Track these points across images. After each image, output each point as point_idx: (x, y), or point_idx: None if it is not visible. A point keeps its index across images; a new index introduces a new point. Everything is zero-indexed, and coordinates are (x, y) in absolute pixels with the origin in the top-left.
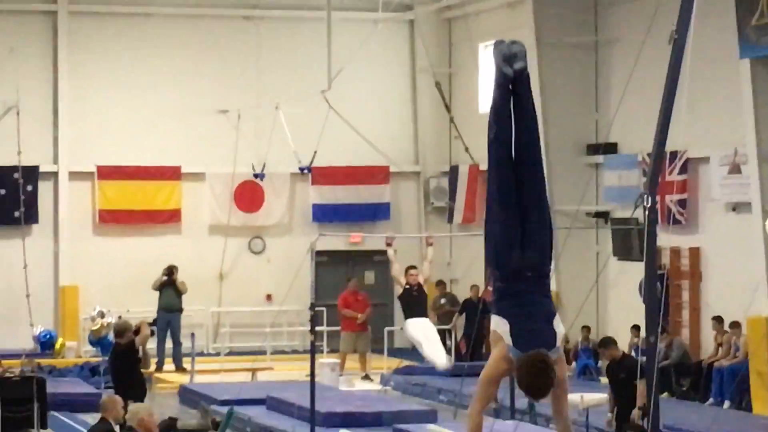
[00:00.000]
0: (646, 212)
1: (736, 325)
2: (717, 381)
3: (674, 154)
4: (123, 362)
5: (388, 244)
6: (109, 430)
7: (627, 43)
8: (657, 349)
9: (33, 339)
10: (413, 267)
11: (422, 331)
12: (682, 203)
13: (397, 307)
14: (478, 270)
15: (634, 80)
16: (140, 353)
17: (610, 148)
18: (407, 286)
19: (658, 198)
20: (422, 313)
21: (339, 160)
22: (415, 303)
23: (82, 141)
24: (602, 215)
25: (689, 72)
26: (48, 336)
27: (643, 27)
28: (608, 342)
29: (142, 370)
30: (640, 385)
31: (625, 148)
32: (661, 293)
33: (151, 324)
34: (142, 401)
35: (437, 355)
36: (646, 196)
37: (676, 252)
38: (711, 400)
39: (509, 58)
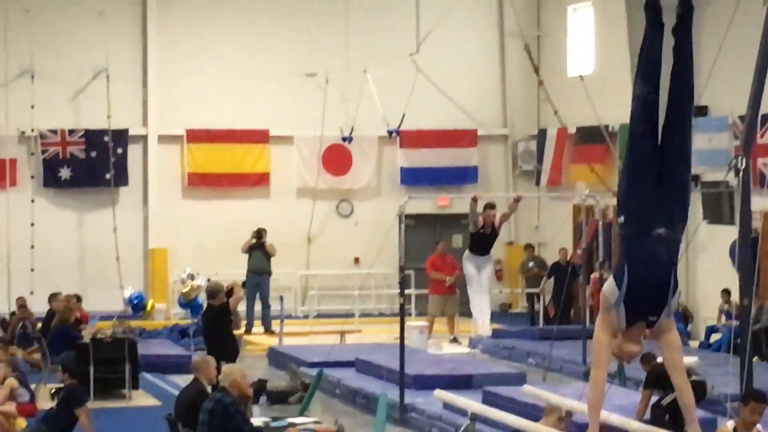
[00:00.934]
0: (740, 174)
1: None
2: None
3: (765, 117)
4: (216, 323)
5: (474, 200)
6: (202, 390)
7: (717, 4)
8: (751, 311)
9: (123, 301)
10: (492, 206)
11: (476, 272)
12: None
13: None
14: (566, 233)
15: (726, 42)
16: (233, 314)
17: (701, 111)
18: (481, 230)
19: (750, 160)
20: (485, 252)
21: (427, 124)
22: (482, 242)
23: (171, 104)
24: (693, 178)
25: None
26: (139, 298)
27: None
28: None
29: (234, 331)
30: (644, 393)
31: (716, 111)
32: (754, 257)
33: (242, 286)
34: (234, 362)
35: (481, 317)
36: (740, 158)
37: (766, 215)
38: None
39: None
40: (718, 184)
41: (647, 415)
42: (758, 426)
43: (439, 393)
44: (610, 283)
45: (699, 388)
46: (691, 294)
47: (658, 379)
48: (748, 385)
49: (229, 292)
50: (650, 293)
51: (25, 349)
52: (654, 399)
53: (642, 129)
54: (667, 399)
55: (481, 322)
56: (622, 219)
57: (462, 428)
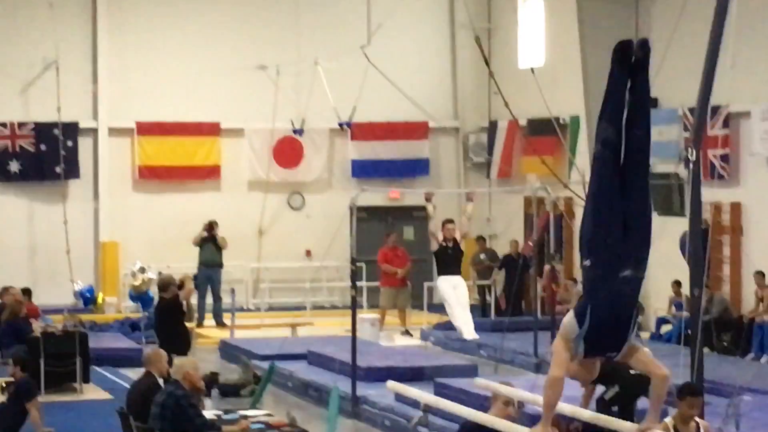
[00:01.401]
0: (691, 166)
1: None
2: (758, 336)
3: (715, 109)
4: (167, 316)
5: (428, 199)
6: (154, 383)
7: None
8: (702, 302)
9: (74, 295)
10: (450, 221)
11: (453, 291)
12: (724, 158)
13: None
14: (517, 225)
15: (676, 34)
16: (184, 307)
17: (651, 103)
18: (443, 243)
19: (701, 152)
20: (456, 270)
21: (378, 116)
22: (449, 259)
23: (121, 97)
24: None
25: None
26: (90, 291)
27: None
28: None
29: (186, 324)
30: (589, 388)
31: (666, 103)
32: (704, 248)
33: (193, 279)
34: (185, 355)
35: (466, 326)
36: (690, 149)
37: (717, 207)
38: (752, 354)
39: (638, 43)
40: (669, 176)
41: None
42: (698, 420)
43: (392, 384)
44: (570, 319)
45: (645, 381)
46: (642, 285)
47: (602, 375)
48: (699, 376)
49: (180, 285)
50: (611, 332)
51: None
52: (597, 394)
53: (608, 172)
54: (610, 393)
55: (466, 330)
56: (588, 263)
57: (414, 420)
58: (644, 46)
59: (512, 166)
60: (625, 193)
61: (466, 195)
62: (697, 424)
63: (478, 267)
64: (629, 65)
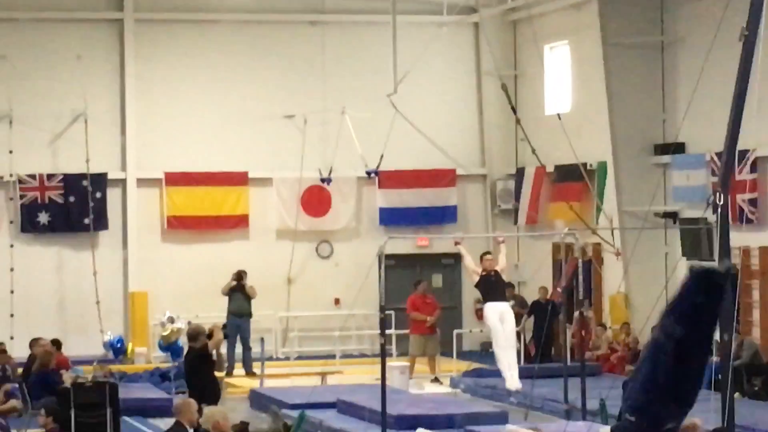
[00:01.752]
0: (719, 210)
1: None
2: None
3: (743, 153)
4: (197, 366)
5: (457, 243)
6: None
7: (693, 42)
8: (732, 348)
9: (104, 345)
10: (488, 253)
11: (500, 325)
12: (752, 202)
13: (466, 309)
14: (546, 271)
15: (702, 79)
16: (214, 357)
17: (678, 148)
18: (484, 273)
19: (729, 197)
20: (502, 297)
21: (406, 164)
22: (493, 286)
23: (149, 148)
24: (671, 215)
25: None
26: (120, 342)
27: (710, 26)
28: None
29: (216, 374)
30: None
31: (693, 148)
32: (733, 293)
33: (222, 328)
34: (215, 405)
35: (510, 372)
36: (718, 193)
37: (746, 251)
38: None
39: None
40: (697, 220)
41: None
42: None
43: (422, 431)
44: None
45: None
46: None
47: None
48: (730, 421)
49: (210, 334)
50: None
51: (3, 395)
52: None
53: (667, 360)
54: None
55: (510, 376)
56: (632, 418)
57: None
58: (730, 275)
59: (539, 212)
60: (679, 376)
61: (495, 239)
62: None
63: None
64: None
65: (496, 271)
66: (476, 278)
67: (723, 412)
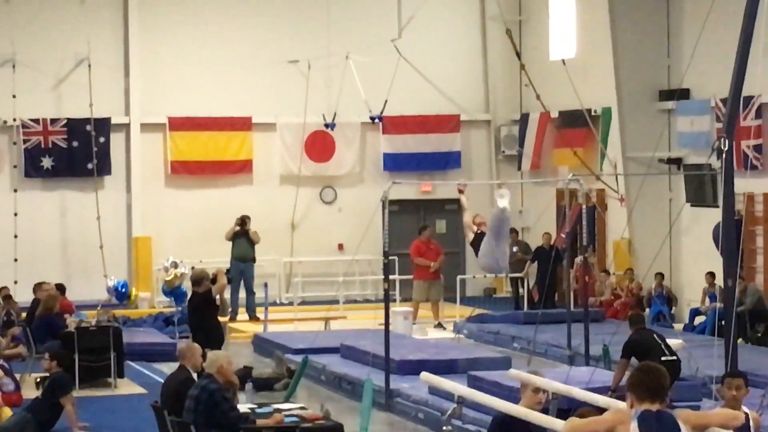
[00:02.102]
0: (723, 156)
1: None
2: None
3: (748, 99)
4: (201, 311)
5: (461, 191)
6: (188, 377)
7: None
8: (735, 293)
9: (107, 290)
10: (478, 215)
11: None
12: (757, 148)
13: (469, 254)
14: (549, 218)
15: (707, 25)
16: (217, 301)
17: (683, 94)
18: (478, 231)
19: (733, 143)
20: None
21: (410, 109)
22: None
23: (153, 92)
24: (675, 161)
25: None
26: (124, 287)
27: None
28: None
29: (220, 318)
30: (622, 362)
31: (698, 94)
32: (738, 239)
33: (226, 273)
34: (219, 349)
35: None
36: (723, 139)
37: (750, 198)
38: None
39: None
40: (701, 166)
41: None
42: (748, 410)
43: (426, 375)
44: None
45: (673, 368)
46: (675, 277)
47: (635, 349)
48: (733, 367)
49: (213, 279)
50: None
51: (9, 339)
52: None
53: None
54: None
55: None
56: None
57: (448, 412)
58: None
59: (543, 158)
60: None
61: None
62: (747, 415)
63: (510, 260)
64: None
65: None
66: (471, 236)
67: (726, 357)
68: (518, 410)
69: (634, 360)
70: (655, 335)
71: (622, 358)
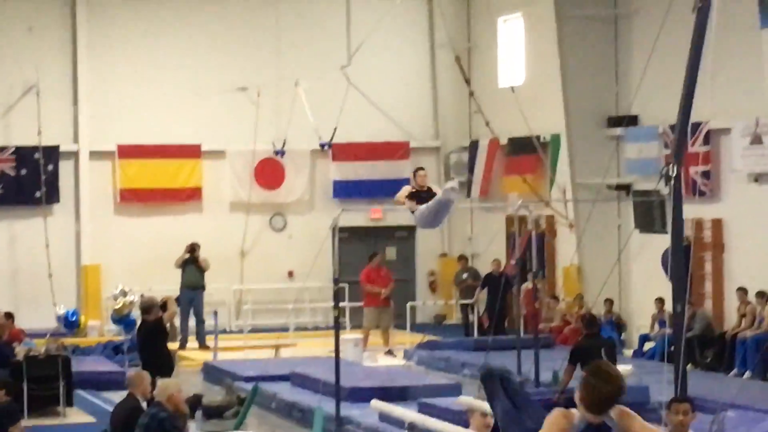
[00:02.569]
0: (672, 182)
1: (761, 295)
2: (740, 352)
3: (696, 126)
4: (151, 338)
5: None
6: (136, 405)
7: (647, 15)
8: (685, 318)
9: (58, 319)
10: (421, 168)
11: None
12: (705, 174)
13: (419, 282)
14: (499, 244)
15: (655, 51)
16: (168, 328)
17: (631, 121)
18: (414, 190)
19: (682, 169)
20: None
21: (359, 136)
22: (423, 200)
23: (102, 120)
24: (624, 188)
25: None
26: (75, 315)
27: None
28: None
29: (169, 345)
30: (568, 368)
31: (646, 121)
32: (686, 264)
33: (175, 301)
34: (170, 377)
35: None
36: (671, 165)
37: (698, 223)
38: (735, 371)
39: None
40: (650, 193)
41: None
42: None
43: (376, 403)
44: None
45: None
46: (624, 303)
47: (582, 355)
48: (683, 392)
49: (163, 306)
50: None
51: None
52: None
53: None
54: None
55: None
56: None
57: None
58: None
59: (493, 184)
60: None
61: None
62: None
63: (460, 286)
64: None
65: (429, 188)
66: (409, 204)
67: (676, 383)
68: None
69: None
70: (603, 349)
71: (568, 364)
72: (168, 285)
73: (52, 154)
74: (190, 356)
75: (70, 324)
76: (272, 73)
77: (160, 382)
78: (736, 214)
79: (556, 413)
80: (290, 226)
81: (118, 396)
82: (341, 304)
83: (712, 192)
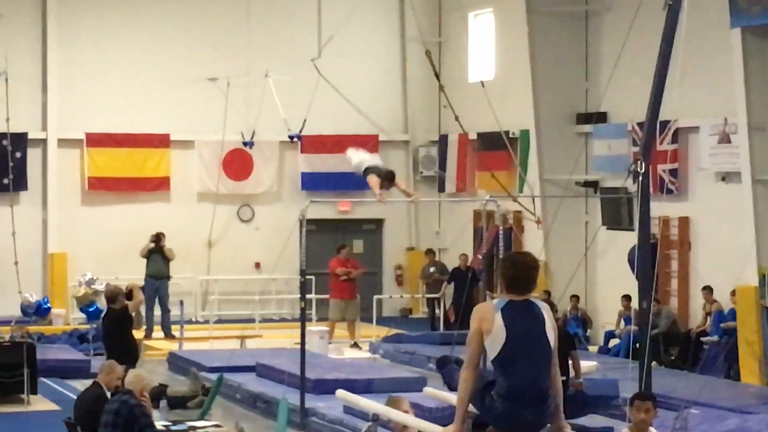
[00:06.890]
0: (639, 179)
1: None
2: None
3: (665, 124)
4: (116, 327)
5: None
6: (101, 394)
7: (617, 11)
8: (650, 315)
9: (27, 307)
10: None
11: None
12: (673, 172)
13: (386, 276)
14: (466, 239)
15: (625, 49)
16: (134, 316)
17: (600, 118)
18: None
19: (650, 167)
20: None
21: (328, 129)
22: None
23: (71, 108)
24: (591, 184)
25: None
26: (46, 302)
27: None
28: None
29: (135, 333)
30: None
31: (615, 118)
32: (653, 262)
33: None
34: (134, 366)
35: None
36: (639, 163)
37: (665, 221)
38: (699, 369)
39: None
40: (617, 190)
41: None
42: (651, 428)
43: (342, 393)
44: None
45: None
46: (590, 299)
47: None
48: (647, 389)
49: (129, 294)
50: None
51: None
52: None
53: None
54: None
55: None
56: None
57: (363, 430)
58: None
59: (468, 181)
60: None
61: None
62: None
63: (427, 280)
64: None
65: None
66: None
67: (640, 380)
68: (435, 429)
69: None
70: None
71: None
72: (134, 274)
73: (21, 141)
74: (156, 346)
75: (43, 312)
76: (242, 64)
77: (136, 372)
78: (704, 212)
79: (475, 307)
80: (258, 218)
81: (82, 384)
82: (307, 296)
83: (680, 190)
